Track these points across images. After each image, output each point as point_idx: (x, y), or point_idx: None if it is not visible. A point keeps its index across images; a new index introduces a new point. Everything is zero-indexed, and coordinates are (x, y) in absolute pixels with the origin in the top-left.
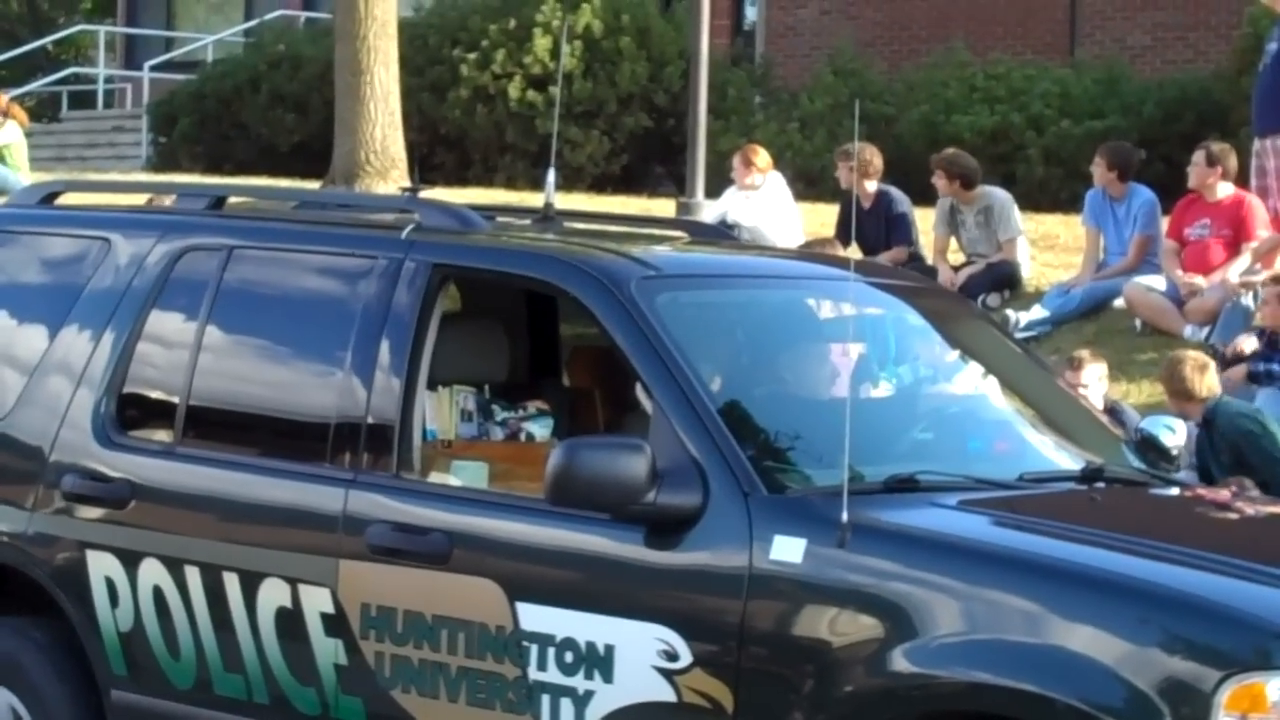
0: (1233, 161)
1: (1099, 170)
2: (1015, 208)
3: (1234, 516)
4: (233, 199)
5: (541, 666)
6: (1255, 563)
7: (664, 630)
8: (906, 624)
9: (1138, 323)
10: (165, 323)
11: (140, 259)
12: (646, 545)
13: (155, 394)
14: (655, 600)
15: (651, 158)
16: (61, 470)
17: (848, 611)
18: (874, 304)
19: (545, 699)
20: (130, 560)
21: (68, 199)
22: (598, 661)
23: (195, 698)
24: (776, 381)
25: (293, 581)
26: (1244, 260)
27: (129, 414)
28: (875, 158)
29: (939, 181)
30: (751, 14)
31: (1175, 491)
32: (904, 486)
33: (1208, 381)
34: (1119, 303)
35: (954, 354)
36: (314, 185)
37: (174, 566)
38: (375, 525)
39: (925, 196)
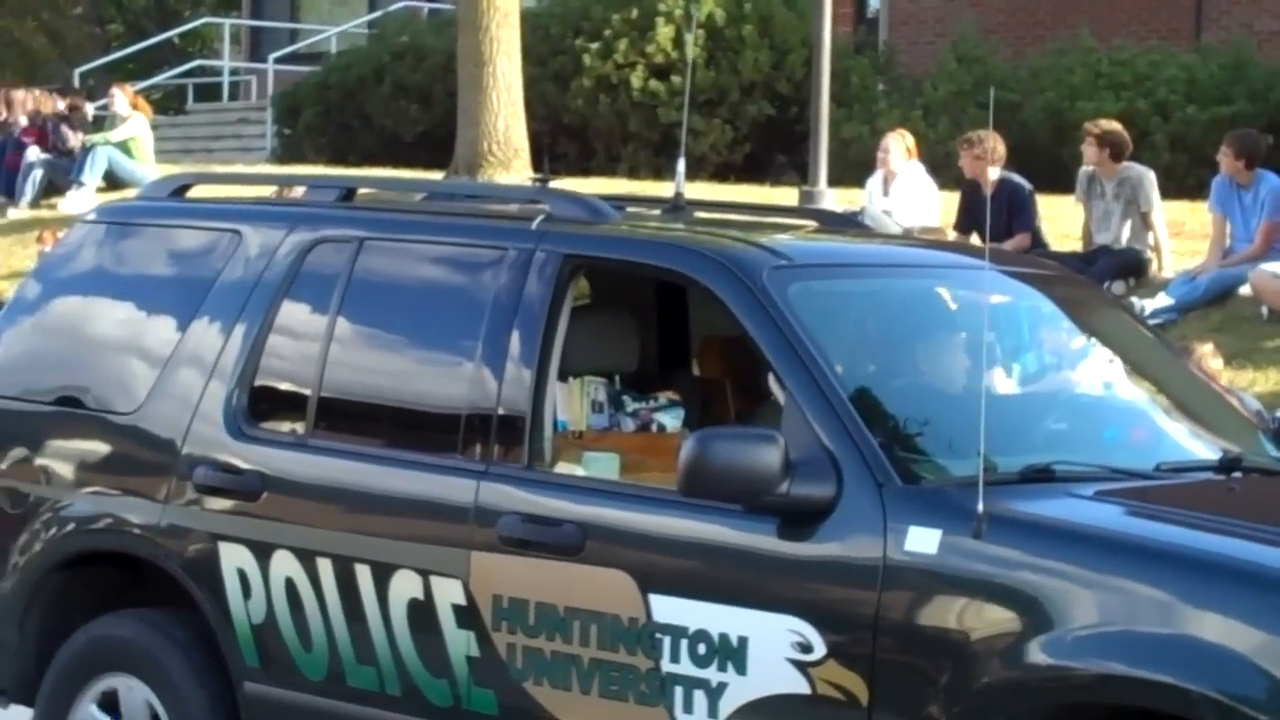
0: None
1: (1226, 157)
2: (1154, 181)
3: None
4: (362, 191)
5: (675, 658)
6: None
7: (797, 621)
8: (1042, 615)
9: (1264, 310)
10: (296, 314)
11: (271, 251)
12: (779, 536)
13: (286, 386)
14: (788, 591)
15: (774, 146)
16: (194, 462)
17: (983, 603)
18: (1008, 292)
19: (678, 691)
20: (262, 552)
21: (197, 191)
22: (731, 653)
23: (327, 689)
24: (909, 371)
25: (424, 573)
26: None
27: (260, 406)
28: (999, 145)
29: (1088, 149)
30: (875, 1)
31: None
32: (1040, 477)
33: None
34: (1245, 290)
35: (1088, 341)
36: (438, 175)
37: (306, 558)
38: (507, 517)
39: (1049, 183)
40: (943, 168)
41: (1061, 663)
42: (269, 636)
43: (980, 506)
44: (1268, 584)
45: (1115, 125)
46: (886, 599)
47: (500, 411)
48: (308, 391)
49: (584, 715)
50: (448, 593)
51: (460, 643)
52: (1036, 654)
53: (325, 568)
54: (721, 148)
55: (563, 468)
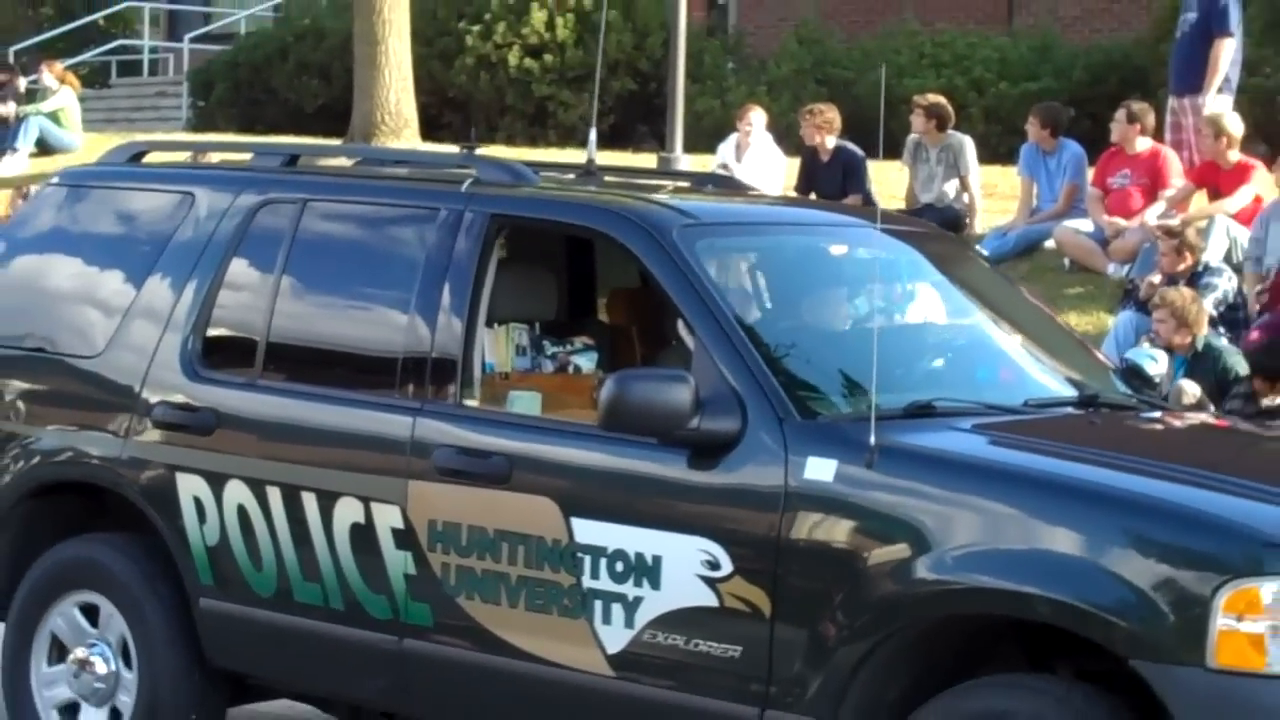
0: (1151, 119)
1: (1033, 127)
2: (973, 149)
3: (1218, 438)
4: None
5: (594, 575)
6: (1243, 479)
7: (707, 542)
8: (925, 536)
9: (1066, 262)
10: (245, 269)
11: (222, 211)
12: (690, 466)
13: (237, 333)
14: (698, 515)
15: (635, 118)
16: (152, 402)
17: (874, 525)
18: (889, 248)
19: (598, 604)
20: (216, 482)
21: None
22: (646, 571)
23: (276, 604)
24: (804, 319)
25: (366, 500)
26: (1159, 206)
27: (213, 352)
28: (835, 116)
29: (917, 120)
30: None
31: (1164, 415)
32: (923, 412)
33: (1203, 318)
34: (1050, 244)
35: (959, 292)
36: (337, 142)
37: (256, 487)
38: (441, 449)
39: (879, 151)
40: (785, 137)
41: (941, 578)
42: (222, 557)
43: (873, 439)
44: (1134, 507)
45: (941, 99)
46: (787, 522)
47: (434, 355)
48: (257, 338)
49: (512, 626)
50: (387, 517)
51: (398, 562)
52: (920, 571)
53: (274, 495)
54: (589, 119)
55: (490, 405)
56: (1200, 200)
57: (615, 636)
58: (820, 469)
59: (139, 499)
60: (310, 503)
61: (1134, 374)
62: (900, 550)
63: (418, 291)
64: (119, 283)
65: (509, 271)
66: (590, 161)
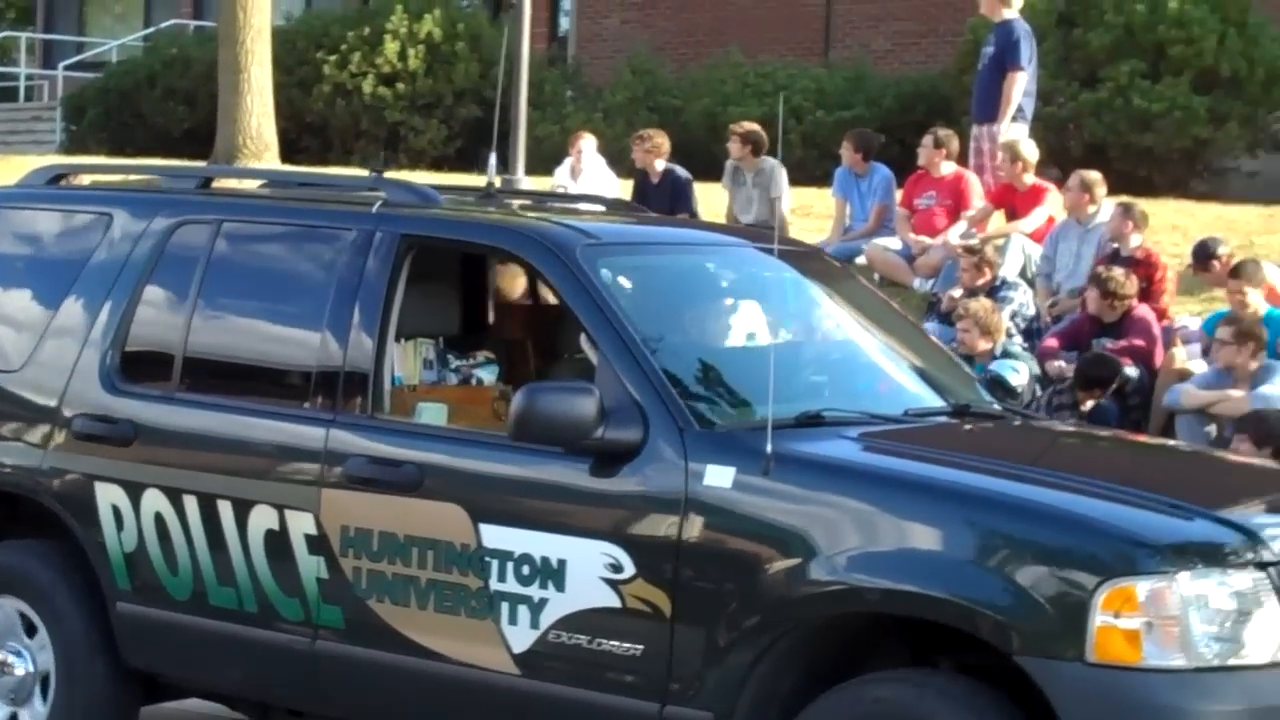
0: (955, 145)
1: (846, 152)
2: (785, 174)
3: (1084, 444)
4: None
5: (501, 578)
6: (1113, 483)
7: (610, 546)
8: (819, 539)
9: (876, 276)
10: (163, 287)
11: (139, 232)
12: (594, 474)
13: (155, 349)
14: (602, 521)
15: (481, 142)
16: (71, 415)
17: (769, 529)
18: (773, 267)
19: (505, 605)
20: (134, 490)
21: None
22: (551, 573)
23: (191, 608)
24: (699, 333)
25: (280, 508)
26: (961, 225)
27: (132, 366)
28: (664, 141)
29: (733, 146)
30: (565, 23)
31: (1032, 423)
32: (812, 422)
33: (1002, 326)
34: (861, 260)
35: (838, 308)
36: (203, 164)
37: (174, 496)
38: (354, 459)
39: (705, 174)
40: (619, 160)
41: (831, 578)
42: (139, 563)
43: (769, 447)
44: (1001, 507)
45: (755, 126)
46: (687, 526)
47: (346, 369)
48: (174, 353)
49: (421, 627)
50: (301, 524)
51: (311, 567)
52: (812, 572)
53: (191, 503)
54: (438, 143)
55: (400, 417)
56: (998, 220)
57: (521, 636)
58: (718, 476)
59: (58, 507)
60: (226, 510)
61: (997, 384)
62: (794, 552)
63: (330, 308)
64: (38, 301)
65: (416, 289)
66: (490, 184)
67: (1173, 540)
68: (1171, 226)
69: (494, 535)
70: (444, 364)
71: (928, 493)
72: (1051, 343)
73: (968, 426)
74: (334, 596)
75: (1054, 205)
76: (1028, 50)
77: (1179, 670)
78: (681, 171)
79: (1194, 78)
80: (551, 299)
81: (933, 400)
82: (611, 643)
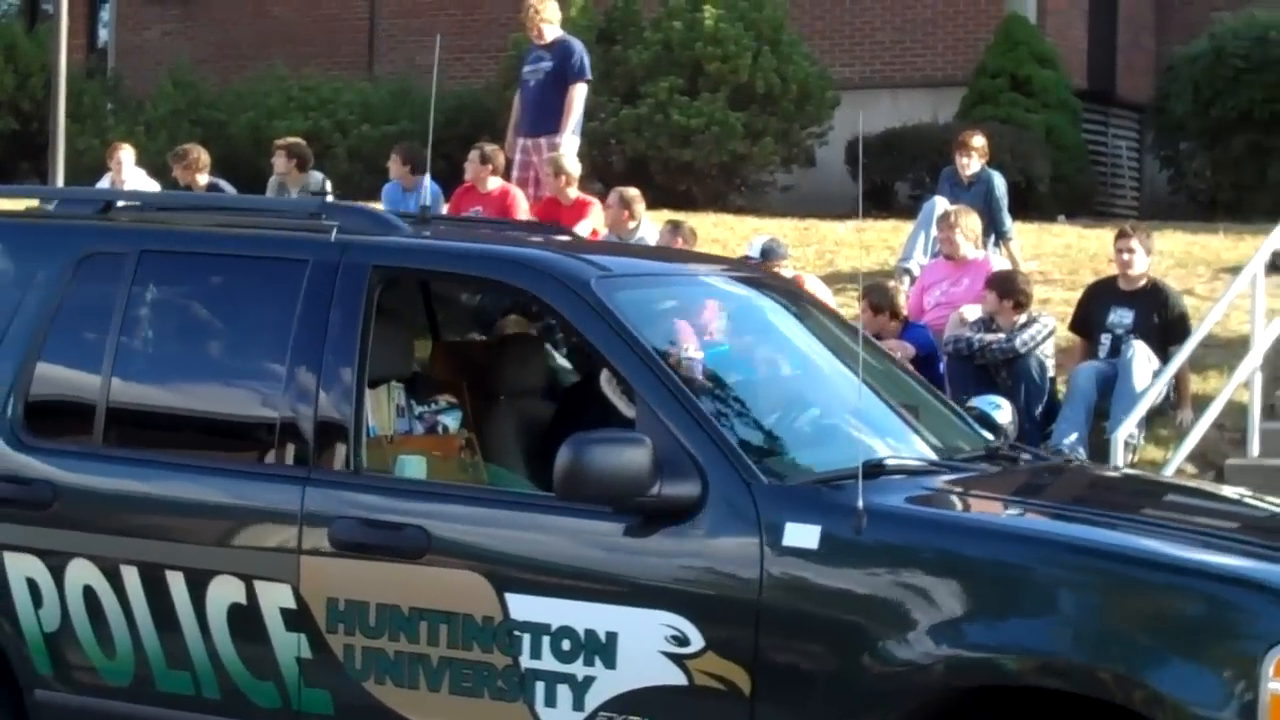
0: (500, 159)
1: (394, 165)
2: (329, 187)
3: (1151, 489)
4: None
5: (535, 655)
6: (1240, 537)
7: (671, 616)
8: (929, 604)
9: None
10: (71, 328)
11: (33, 266)
12: (646, 535)
13: (68, 397)
14: (659, 588)
15: (20, 155)
16: None
17: (869, 594)
18: (765, 299)
19: (540, 685)
20: (56, 560)
21: None
22: (598, 648)
23: (133, 694)
24: (733, 373)
25: (247, 578)
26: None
27: (38, 418)
28: (201, 154)
29: (279, 160)
30: (104, 34)
31: (1086, 468)
32: (875, 472)
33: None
34: None
35: (832, 342)
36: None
37: (107, 566)
38: (341, 521)
39: (251, 187)
40: (161, 174)
41: (955, 650)
42: (63, 644)
43: (860, 502)
44: (1146, 565)
45: (300, 140)
46: (767, 593)
47: (319, 418)
48: (94, 402)
49: (433, 711)
50: (274, 597)
51: (289, 645)
52: (928, 642)
53: (130, 575)
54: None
55: (377, 471)
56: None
57: None
58: (801, 535)
59: None
60: (177, 582)
61: (985, 423)
62: (901, 620)
63: (293, 349)
64: None
65: (383, 327)
66: (425, 208)
67: None
68: (712, 240)
69: (524, 606)
70: (408, 411)
71: (1058, 549)
72: None
73: (1039, 472)
74: (320, 679)
75: (598, 219)
76: (589, 63)
77: None
78: (225, 185)
79: (730, 94)
80: (480, 336)
81: (963, 443)
82: None
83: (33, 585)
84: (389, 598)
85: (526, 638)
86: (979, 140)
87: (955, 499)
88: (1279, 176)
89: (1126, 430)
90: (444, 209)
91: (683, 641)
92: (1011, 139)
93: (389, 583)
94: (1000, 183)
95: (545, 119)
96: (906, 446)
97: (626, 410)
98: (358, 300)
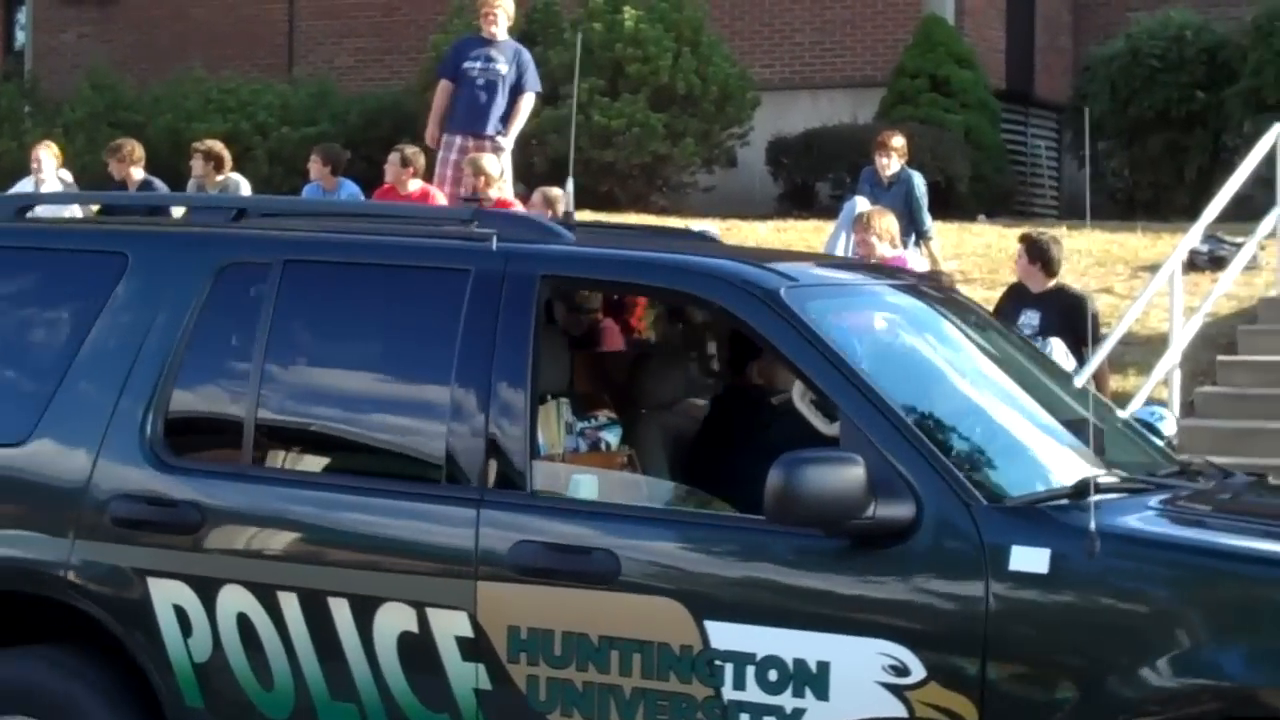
0: (421, 161)
1: (315, 166)
2: (248, 189)
3: None
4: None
5: (739, 685)
6: None
7: (889, 645)
8: (1167, 632)
9: None
10: (212, 341)
11: (170, 275)
12: (860, 559)
13: (211, 413)
14: (874, 615)
15: None
16: (107, 496)
17: (1101, 622)
18: (950, 309)
19: (744, 718)
20: (206, 587)
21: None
22: (809, 679)
23: None
24: (934, 386)
25: (419, 605)
26: None
27: (179, 435)
28: (137, 148)
29: (196, 163)
30: (21, 37)
31: (1273, 482)
32: (1082, 491)
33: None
34: None
35: (1014, 357)
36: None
37: (264, 593)
38: (522, 545)
39: (170, 188)
40: (80, 175)
41: (1198, 682)
42: (216, 675)
43: (1093, 524)
44: None
45: (217, 143)
46: (994, 620)
47: (491, 436)
48: (241, 419)
49: None
50: (449, 625)
51: (466, 676)
52: (1168, 672)
53: (289, 602)
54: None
55: (551, 491)
56: None
57: None
58: (1030, 559)
59: (95, 609)
60: (341, 610)
61: (1153, 434)
62: (1141, 648)
63: (457, 364)
64: (35, 362)
65: (545, 338)
66: (568, 214)
67: None
68: None
69: (726, 634)
70: (570, 427)
71: None
72: None
73: (1247, 488)
74: (499, 711)
75: None
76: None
77: None
78: (159, 182)
79: (651, 95)
80: (619, 345)
81: (1156, 457)
82: None
83: (181, 613)
84: (576, 625)
85: (729, 667)
86: (898, 140)
87: (1184, 518)
88: (1196, 175)
89: None
90: None
91: (902, 671)
92: (931, 139)
93: (576, 609)
94: (920, 182)
95: (482, 119)
96: (1107, 463)
97: (824, 428)
98: (526, 312)
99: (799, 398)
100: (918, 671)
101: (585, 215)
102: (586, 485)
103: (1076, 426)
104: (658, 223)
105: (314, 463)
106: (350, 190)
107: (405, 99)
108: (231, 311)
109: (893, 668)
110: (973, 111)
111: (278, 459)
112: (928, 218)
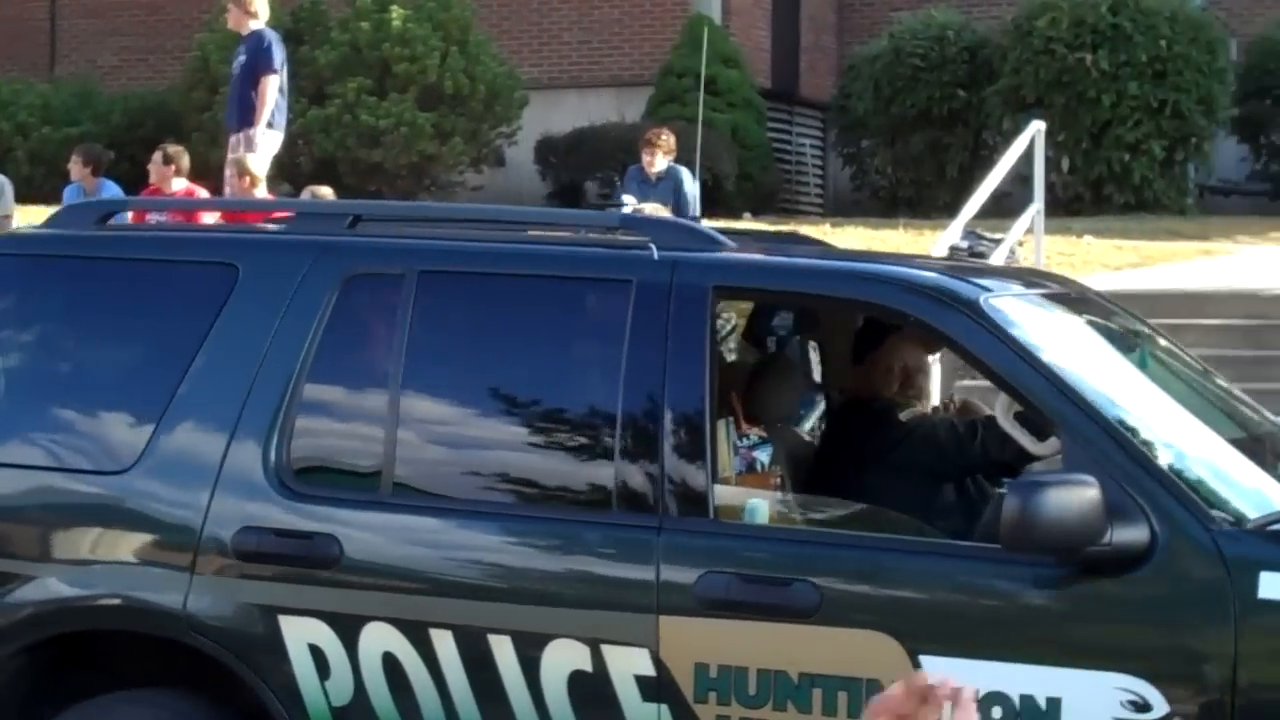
0: (185, 161)
1: (75, 167)
2: (11, 190)
3: None
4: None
5: None
6: None
7: (1127, 679)
8: None
9: None
10: (338, 359)
11: (287, 286)
12: (1092, 587)
13: (341, 439)
14: (1110, 647)
15: None
16: (229, 525)
17: None
18: (1119, 319)
19: None
20: (346, 625)
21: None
22: (1038, 715)
23: None
24: (1137, 400)
25: (591, 642)
26: None
27: (307, 463)
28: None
29: (75, 168)
30: None
31: None
32: None
33: None
34: None
35: (1181, 366)
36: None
37: (414, 630)
38: (710, 576)
39: None
40: None
41: None
42: (357, 719)
43: None
44: None
45: (94, 145)
46: (1246, 651)
47: (668, 460)
48: (379, 445)
49: None
50: (628, 663)
51: (646, 717)
52: None
53: (442, 640)
54: None
55: (729, 517)
56: None
57: None
58: None
59: (217, 650)
60: (503, 647)
61: None
62: None
63: (625, 382)
64: (141, 380)
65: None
66: (695, 218)
67: None
68: None
69: (943, 669)
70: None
71: None
72: None
73: None
74: None
75: None
76: (280, 55)
77: None
78: (113, 186)
79: (419, 94)
80: (729, 356)
81: None
82: None
83: (317, 653)
84: (773, 662)
85: (948, 705)
86: (665, 137)
87: None
88: (957, 172)
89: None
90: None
91: (1142, 707)
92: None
93: (772, 645)
94: (688, 177)
95: (243, 113)
96: None
97: (1032, 446)
98: (700, 326)
99: (1003, 414)
100: (1160, 707)
101: None
102: (760, 510)
103: (1261, 443)
104: None
105: (462, 489)
106: (112, 191)
107: (170, 98)
108: (361, 327)
109: (1132, 703)
110: (739, 110)
111: (422, 486)
112: (697, 213)
